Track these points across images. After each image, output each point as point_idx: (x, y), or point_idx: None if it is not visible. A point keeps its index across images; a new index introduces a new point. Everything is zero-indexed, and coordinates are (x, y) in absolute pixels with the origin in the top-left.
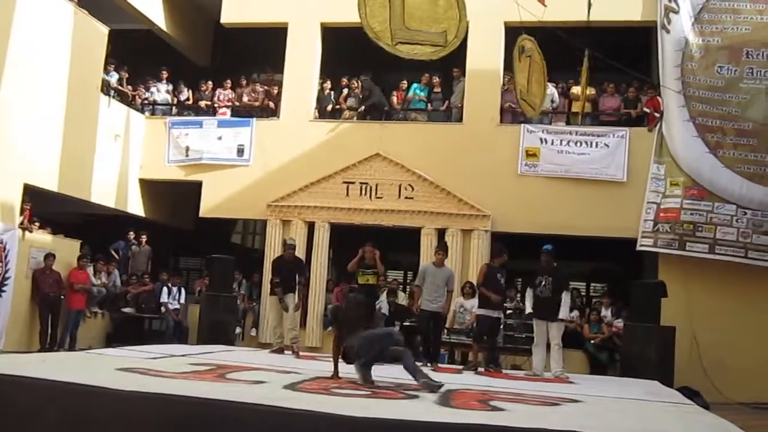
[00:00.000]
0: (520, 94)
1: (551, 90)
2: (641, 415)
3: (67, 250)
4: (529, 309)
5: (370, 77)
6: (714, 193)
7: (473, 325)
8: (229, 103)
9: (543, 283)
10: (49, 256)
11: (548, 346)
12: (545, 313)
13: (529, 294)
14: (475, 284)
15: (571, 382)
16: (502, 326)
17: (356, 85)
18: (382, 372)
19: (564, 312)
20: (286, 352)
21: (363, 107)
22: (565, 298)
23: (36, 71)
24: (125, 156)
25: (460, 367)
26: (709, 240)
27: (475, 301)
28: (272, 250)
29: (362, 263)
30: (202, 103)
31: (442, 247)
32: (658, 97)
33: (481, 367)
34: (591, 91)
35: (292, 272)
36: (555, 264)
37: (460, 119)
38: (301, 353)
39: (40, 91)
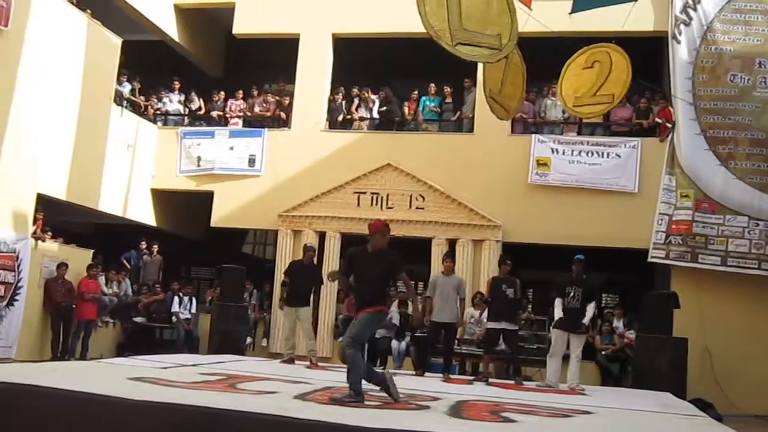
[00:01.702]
0: (490, 92)
1: None
2: (653, 428)
3: (79, 260)
4: (558, 316)
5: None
6: (725, 206)
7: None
8: (241, 114)
9: (572, 294)
10: (62, 266)
11: (565, 357)
12: (570, 324)
13: (558, 303)
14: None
15: (585, 394)
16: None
17: (366, 95)
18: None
19: (586, 320)
20: (297, 362)
21: (387, 112)
22: (590, 309)
23: (49, 81)
24: (137, 166)
25: (471, 377)
26: (721, 252)
27: (485, 313)
28: (283, 259)
29: None
30: (214, 114)
31: (449, 255)
32: (670, 107)
33: (491, 378)
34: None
35: (309, 280)
36: (584, 276)
37: (471, 129)
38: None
39: (54, 101)
